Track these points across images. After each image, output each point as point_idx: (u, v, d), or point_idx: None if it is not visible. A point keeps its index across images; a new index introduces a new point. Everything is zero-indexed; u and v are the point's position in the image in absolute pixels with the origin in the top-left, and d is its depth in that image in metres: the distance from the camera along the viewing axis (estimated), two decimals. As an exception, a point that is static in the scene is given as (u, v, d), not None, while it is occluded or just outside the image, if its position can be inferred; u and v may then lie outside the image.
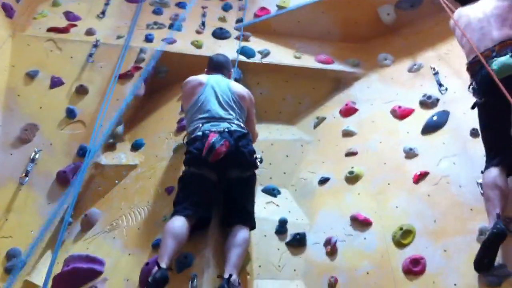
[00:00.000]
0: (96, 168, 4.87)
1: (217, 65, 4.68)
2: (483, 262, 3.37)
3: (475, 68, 3.97)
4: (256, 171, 4.74)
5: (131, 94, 5.02)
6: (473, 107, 4.00)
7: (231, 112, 4.19)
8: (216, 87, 4.32)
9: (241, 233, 3.77)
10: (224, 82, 4.44)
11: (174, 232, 3.59)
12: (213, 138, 3.86)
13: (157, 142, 5.07)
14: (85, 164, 4.41)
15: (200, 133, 3.99)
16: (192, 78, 4.51)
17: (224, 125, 4.04)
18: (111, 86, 5.17)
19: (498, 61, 3.71)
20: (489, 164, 3.69)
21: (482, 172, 3.75)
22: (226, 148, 3.84)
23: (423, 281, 3.61)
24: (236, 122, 4.15)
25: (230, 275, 3.48)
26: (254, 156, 4.11)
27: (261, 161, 4.37)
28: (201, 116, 4.16)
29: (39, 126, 4.95)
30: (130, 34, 5.79)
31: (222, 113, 4.15)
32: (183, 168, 4.12)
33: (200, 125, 4.08)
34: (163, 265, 3.38)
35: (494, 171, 3.60)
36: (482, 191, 3.81)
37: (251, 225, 3.92)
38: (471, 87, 4.01)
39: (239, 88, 4.46)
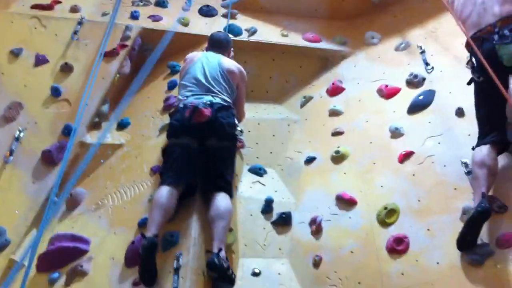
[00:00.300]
0: (81, 147, 4.84)
1: (215, 43, 4.79)
2: (466, 240, 3.42)
3: (476, 44, 3.80)
4: (243, 151, 4.83)
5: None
6: (469, 83, 3.98)
7: (216, 86, 4.26)
8: (205, 63, 4.41)
9: (223, 201, 3.83)
10: (215, 58, 4.51)
11: (160, 203, 3.70)
12: (196, 102, 4.02)
13: (143, 121, 5.05)
14: (70, 143, 4.36)
15: (182, 105, 4.11)
16: (190, 54, 4.71)
17: (207, 98, 4.13)
18: (96, 64, 5.10)
19: (508, 50, 3.61)
20: (480, 142, 3.70)
21: (473, 149, 3.76)
22: (209, 114, 3.95)
23: (407, 259, 3.65)
24: (220, 96, 4.22)
25: (220, 249, 3.58)
26: (236, 129, 4.19)
27: (241, 133, 4.38)
28: (186, 90, 4.28)
29: (24, 105, 4.91)
30: (115, 11, 5.69)
31: (206, 87, 4.24)
32: (168, 143, 4.17)
33: (184, 99, 4.18)
34: (149, 234, 3.49)
35: (484, 149, 3.61)
36: (466, 170, 3.85)
37: (230, 194, 3.96)
38: (469, 63, 3.93)
39: (230, 64, 4.50)
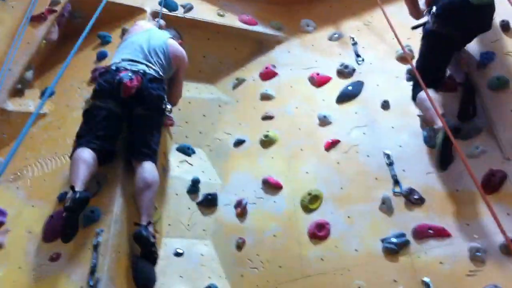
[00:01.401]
0: (1, 114, 4.61)
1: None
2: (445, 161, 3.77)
3: None
4: (172, 129, 4.76)
5: None
6: (414, 28, 4.20)
7: (154, 60, 4.22)
8: (153, 36, 4.40)
9: (149, 171, 3.78)
10: (164, 36, 4.50)
11: (83, 158, 3.59)
12: (122, 73, 3.90)
13: (69, 91, 4.86)
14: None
15: (114, 67, 4.02)
16: (141, 22, 4.77)
17: (141, 67, 4.07)
18: (21, 28, 4.85)
19: None
20: (419, 89, 3.85)
21: (413, 99, 4.12)
22: (137, 83, 3.88)
23: (327, 245, 3.77)
24: (155, 68, 4.16)
25: (149, 223, 3.58)
26: (164, 103, 4.12)
27: (170, 111, 4.33)
28: (123, 54, 4.20)
29: None
30: (45, -26, 5.43)
31: (145, 55, 4.19)
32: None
33: (118, 61, 4.10)
34: (78, 188, 3.38)
35: (422, 93, 3.77)
36: (387, 162, 4.00)
37: (155, 162, 3.91)
38: (431, 11, 4.03)
39: (176, 47, 4.49)
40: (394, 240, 3.54)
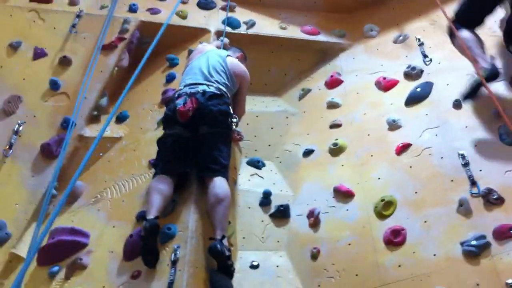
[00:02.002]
0: (80, 141, 4.86)
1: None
2: (470, 96, 4.15)
3: None
4: (241, 143, 4.84)
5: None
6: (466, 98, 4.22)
7: (215, 76, 4.33)
8: (211, 57, 4.52)
9: (220, 186, 3.84)
10: (222, 54, 4.63)
11: (157, 188, 3.79)
12: (177, 100, 4.07)
13: (142, 114, 5.06)
14: (68, 136, 4.37)
15: (176, 95, 4.19)
16: (200, 45, 4.94)
17: (201, 88, 4.19)
18: (94, 57, 5.11)
19: None
20: (458, 28, 4.22)
21: (450, 36, 4.44)
22: (192, 105, 4.00)
23: (403, 251, 3.66)
24: (215, 86, 4.26)
25: (223, 237, 3.63)
26: (229, 116, 4.19)
27: (236, 125, 4.36)
28: (185, 81, 4.36)
29: (23, 98, 4.93)
30: (113, 4, 5.68)
31: (205, 76, 4.31)
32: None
33: (181, 89, 4.26)
34: (150, 216, 3.57)
35: (465, 31, 4.22)
36: (462, 162, 3.86)
37: (226, 177, 3.98)
38: None
39: (235, 63, 4.61)
40: (474, 242, 3.39)
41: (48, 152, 4.67)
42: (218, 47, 4.99)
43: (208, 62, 4.44)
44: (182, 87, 4.28)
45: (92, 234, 4.05)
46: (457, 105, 4.32)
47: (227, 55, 4.63)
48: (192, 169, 4.05)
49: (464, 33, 4.24)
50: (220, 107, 4.14)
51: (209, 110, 4.06)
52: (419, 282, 3.45)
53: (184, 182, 4.04)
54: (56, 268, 3.87)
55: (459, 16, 4.42)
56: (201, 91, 4.13)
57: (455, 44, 4.39)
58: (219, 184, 3.87)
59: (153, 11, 5.79)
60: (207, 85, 4.22)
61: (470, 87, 4.15)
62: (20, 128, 4.74)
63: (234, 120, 4.29)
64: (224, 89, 4.30)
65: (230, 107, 4.28)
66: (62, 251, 3.95)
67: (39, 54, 5.21)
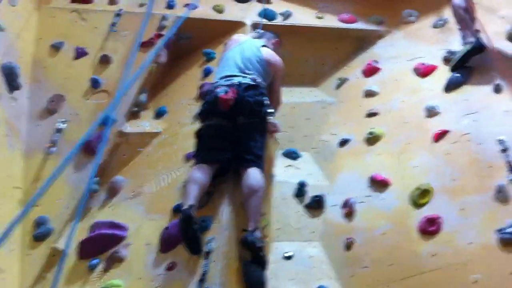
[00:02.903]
0: (120, 137, 4.96)
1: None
2: (457, 67, 4.51)
3: None
4: (277, 135, 4.82)
5: (148, 61, 4.91)
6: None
7: (251, 69, 4.32)
8: (245, 48, 4.50)
9: (255, 177, 3.84)
10: (257, 44, 4.62)
11: (194, 178, 3.82)
12: (218, 89, 4.08)
13: (180, 109, 5.13)
14: (105, 132, 4.45)
15: (212, 88, 4.21)
16: (235, 36, 4.90)
17: (237, 79, 4.19)
18: (133, 54, 5.22)
19: None
20: None
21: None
22: (233, 95, 4.01)
23: (439, 239, 3.59)
24: (251, 77, 4.25)
25: (256, 228, 3.64)
26: (264, 106, 4.17)
27: (272, 114, 4.32)
28: (221, 73, 4.37)
29: (65, 97, 5.08)
30: (151, 1, 5.77)
31: (240, 67, 4.31)
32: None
33: (216, 81, 4.27)
34: (186, 206, 3.60)
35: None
36: (502, 148, 3.74)
37: (261, 167, 3.96)
38: None
39: (269, 54, 4.55)
40: (510, 229, 3.29)
41: (89, 148, 4.78)
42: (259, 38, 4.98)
43: (243, 53, 4.44)
44: (217, 80, 4.30)
45: (130, 227, 4.14)
46: (497, 89, 4.17)
47: (262, 45, 4.63)
48: (232, 156, 4.05)
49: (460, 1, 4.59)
50: (257, 97, 4.14)
51: (246, 101, 4.07)
52: (454, 271, 3.38)
53: (225, 171, 4.07)
54: (95, 261, 3.99)
55: None
56: (237, 83, 4.14)
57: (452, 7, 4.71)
58: (253, 175, 3.88)
59: (191, 6, 5.84)
60: (243, 76, 4.23)
61: (458, 58, 4.49)
62: (63, 126, 4.89)
63: (271, 110, 4.28)
64: (259, 79, 4.30)
65: (266, 97, 4.28)
66: (102, 244, 4.06)
67: (80, 53, 5.35)
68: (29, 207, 2.96)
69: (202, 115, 4.24)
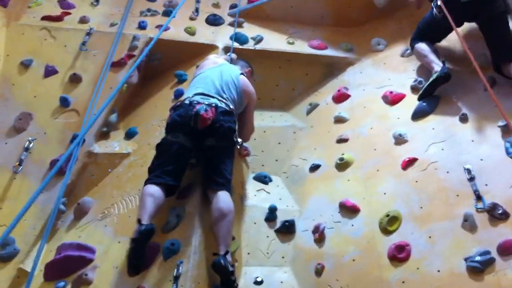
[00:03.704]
0: (89, 157, 4.90)
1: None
2: (424, 96, 4.67)
3: None
4: (248, 159, 4.86)
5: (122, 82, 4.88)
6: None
7: (226, 94, 4.35)
8: (224, 72, 4.54)
9: (224, 200, 3.86)
10: (235, 71, 4.65)
11: (150, 193, 3.78)
12: (198, 106, 4.05)
13: (150, 130, 5.09)
14: (70, 151, 4.33)
15: (187, 102, 4.18)
16: (212, 56, 5.00)
17: (213, 101, 4.20)
18: (103, 74, 5.19)
19: None
20: (416, 41, 4.93)
21: (411, 46, 4.99)
22: (212, 114, 4.03)
23: (408, 267, 3.64)
24: (226, 102, 4.27)
25: (227, 252, 3.65)
26: (235, 135, 4.22)
27: (240, 145, 4.40)
28: (197, 88, 4.35)
29: (33, 115, 5.01)
30: (123, 22, 5.77)
31: (216, 92, 4.31)
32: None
33: (191, 96, 4.24)
34: (144, 221, 3.58)
35: (422, 43, 4.84)
36: (468, 177, 3.84)
37: (230, 192, 3.99)
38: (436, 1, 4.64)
39: (246, 84, 4.62)
40: (478, 258, 3.36)
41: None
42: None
43: (221, 77, 4.46)
44: (192, 95, 4.26)
45: (98, 250, 4.09)
46: (463, 118, 4.29)
47: (241, 73, 4.66)
48: (180, 184, 4.07)
49: (422, 44, 4.84)
50: (230, 124, 4.18)
51: (221, 125, 4.09)
52: (423, 299, 3.43)
53: (171, 194, 4.03)
54: (62, 284, 3.92)
55: (420, 32, 4.98)
56: (214, 105, 4.15)
57: (414, 53, 4.98)
58: (223, 198, 3.88)
59: (163, 28, 5.82)
60: (219, 100, 4.25)
61: (424, 87, 4.66)
62: (31, 145, 4.81)
63: (239, 140, 4.35)
64: (233, 106, 4.33)
65: (236, 125, 4.32)
66: (68, 266, 4.00)
67: (50, 71, 5.30)
68: (9, 231, 2.85)
69: (169, 127, 4.20)
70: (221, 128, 4.07)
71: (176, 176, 4.00)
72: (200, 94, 4.26)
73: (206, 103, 4.13)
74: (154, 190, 3.81)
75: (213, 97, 4.25)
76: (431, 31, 4.90)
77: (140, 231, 3.53)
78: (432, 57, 4.71)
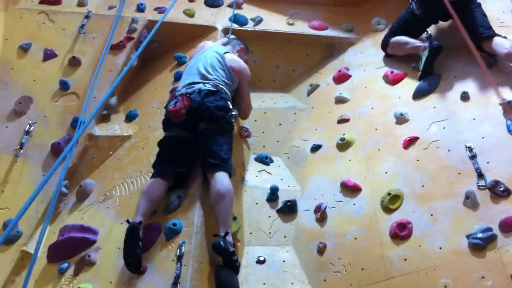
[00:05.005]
0: (90, 140, 4.91)
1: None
2: (427, 73, 4.63)
3: None
4: (249, 140, 4.85)
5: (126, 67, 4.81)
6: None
7: (213, 75, 4.35)
8: (208, 54, 4.54)
9: (221, 182, 3.85)
10: (220, 50, 4.62)
11: (146, 192, 3.87)
12: (170, 103, 4.17)
13: (150, 113, 5.09)
14: (76, 135, 4.40)
15: (173, 97, 4.27)
16: (202, 43, 4.97)
17: (197, 86, 4.23)
18: (102, 57, 5.17)
19: None
20: (391, 38, 5.02)
21: (386, 43, 5.06)
22: (184, 103, 4.05)
23: (409, 244, 3.65)
24: (212, 83, 4.28)
25: (227, 233, 3.64)
26: (226, 110, 4.20)
27: (235, 117, 4.35)
28: (184, 81, 4.41)
29: (33, 99, 5.03)
30: (121, 4, 5.72)
31: (200, 77, 4.33)
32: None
33: (179, 90, 4.31)
34: (135, 219, 3.67)
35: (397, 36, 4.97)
36: (470, 155, 3.84)
37: (228, 171, 3.96)
38: None
39: (233, 60, 4.59)
40: (480, 235, 3.37)
41: (58, 151, 4.72)
42: (225, 45, 5.00)
43: (206, 60, 4.46)
44: (180, 88, 4.33)
45: (101, 231, 4.10)
46: (464, 97, 4.28)
47: (225, 52, 4.63)
48: (189, 169, 4.09)
49: (397, 37, 4.97)
50: (217, 102, 4.15)
51: (207, 107, 4.08)
52: (425, 276, 3.45)
53: (182, 183, 4.07)
54: (65, 265, 3.94)
55: (397, 30, 5.04)
56: (197, 90, 4.16)
57: (392, 47, 5.04)
58: (220, 179, 3.87)
59: (161, 10, 5.81)
60: (204, 83, 4.25)
61: (422, 66, 4.65)
62: (31, 128, 4.84)
63: (234, 113, 4.30)
64: (221, 85, 4.31)
65: (228, 102, 4.29)
66: (72, 248, 4.02)
67: (49, 55, 5.29)
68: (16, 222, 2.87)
69: (163, 124, 4.28)
70: (208, 110, 4.07)
71: (180, 164, 4.03)
72: (186, 86, 4.29)
73: (189, 91, 4.17)
74: (151, 187, 3.90)
75: (197, 82, 4.27)
76: (409, 28, 4.96)
77: (126, 233, 3.60)
78: (413, 40, 4.80)
